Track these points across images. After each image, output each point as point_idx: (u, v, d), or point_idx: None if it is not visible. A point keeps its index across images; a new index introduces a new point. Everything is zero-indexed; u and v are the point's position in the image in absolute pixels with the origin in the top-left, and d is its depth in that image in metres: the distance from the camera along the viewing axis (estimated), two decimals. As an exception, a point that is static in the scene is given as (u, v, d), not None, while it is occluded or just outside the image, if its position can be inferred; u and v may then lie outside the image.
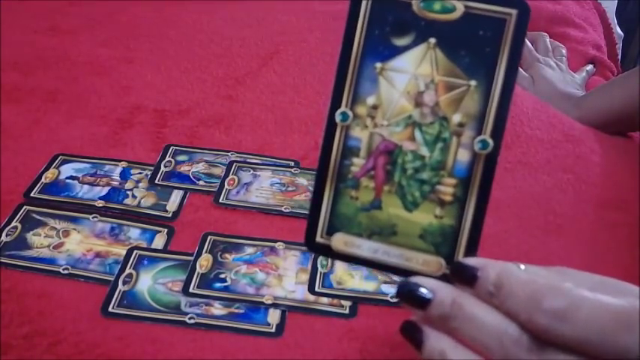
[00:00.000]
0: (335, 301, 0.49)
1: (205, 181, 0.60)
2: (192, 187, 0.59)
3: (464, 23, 0.34)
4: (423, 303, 0.34)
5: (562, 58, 0.88)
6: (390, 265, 0.36)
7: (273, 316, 0.48)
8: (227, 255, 0.52)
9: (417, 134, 0.35)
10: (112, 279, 0.49)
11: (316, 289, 0.50)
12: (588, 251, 0.57)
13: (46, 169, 0.60)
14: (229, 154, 0.64)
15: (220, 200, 0.58)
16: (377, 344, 0.46)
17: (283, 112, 0.71)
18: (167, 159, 0.62)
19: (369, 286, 0.50)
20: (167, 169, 0.61)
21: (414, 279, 0.34)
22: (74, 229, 0.54)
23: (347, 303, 0.49)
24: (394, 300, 0.48)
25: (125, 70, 0.76)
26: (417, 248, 0.35)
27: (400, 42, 0.34)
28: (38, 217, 0.55)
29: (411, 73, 0.34)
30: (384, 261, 0.36)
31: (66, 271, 0.50)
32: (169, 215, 0.56)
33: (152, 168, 0.61)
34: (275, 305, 0.48)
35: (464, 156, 0.34)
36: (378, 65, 0.35)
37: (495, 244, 0.56)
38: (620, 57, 1.09)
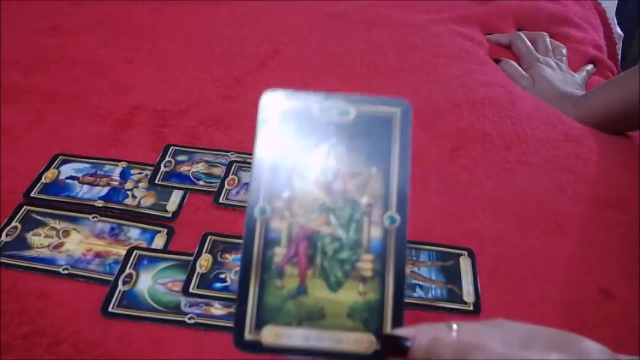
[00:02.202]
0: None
1: (205, 181, 0.60)
2: (192, 187, 0.59)
3: (358, 122, 0.39)
4: (403, 350, 0.35)
5: (562, 58, 0.88)
6: (323, 351, 0.37)
7: (273, 316, 0.48)
8: (227, 255, 0.52)
9: (332, 218, 0.38)
10: (112, 279, 0.50)
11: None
12: (587, 250, 0.57)
13: (46, 169, 0.60)
14: (229, 154, 0.64)
15: (220, 200, 0.58)
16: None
17: (283, 112, 0.70)
18: (167, 159, 0.62)
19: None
20: (167, 169, 0.61)
21: (395, 332, 0.36)
22: (74, 229, 0.54)
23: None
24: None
25: (125, 70, 0.76)
26: (346, 328, 0.37)
27: (306, 143, 0.39)
28: (38, 217, 0.55)
29: (319, 167, 0.38)
30: (317, 347, 0.36)
31: (66, 271, 0.50)
32: (169, 215, 0.56)
33: (152, 168, 0.61)
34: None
35: (376, 232, 0.37)
36: (290, 164, 0.38)
37: (495, 244, 0.56)
38: (620, 57, 1.09)
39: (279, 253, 0.37)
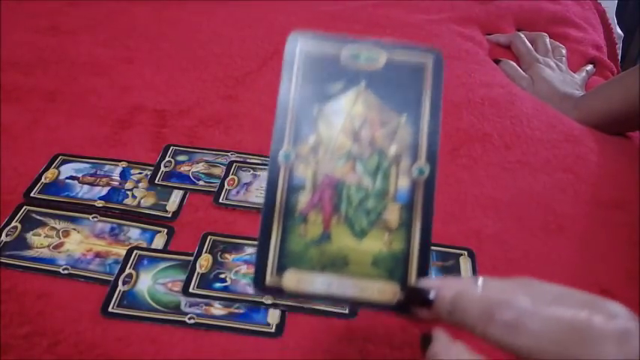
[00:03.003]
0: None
1: (205, 181, 0.60)
2: (192, 187, 0.59)
3: (388, 70, 0.38)
4: (427, 302, 0.34)
5: (562, 59, 0.88)
6: (345, 298, 0.36)
7: (273, 316, 0.48)
8: (227, 255, 0.52)
9: (359, 167, 0.37)
10: (112, 279, 0.50)
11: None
12: (588, 251, 0.57)
13: (46, 169, 0.60)
14: (229, 154, 0.64)
15: (220, 200, 0.58)
16: (377, 344, 0.46)
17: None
18: (167, 159, 0.62)
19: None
20: (167, 169, 0.61)
21: (420, 283, 0.35)
22: (74, 229, 0.54)
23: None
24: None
25: (125, 70, 0.76)
26: (370, 276, 0.36)
27: (333, 88, 0.38)
28: (38, 217, 0.55)
29: (346, 113, 0.37)
30: (339, 294, 0.36)
31: (66, 271, 0.50)
32: (169, 215, 0.56)
33: (152, 168, 0.61)
34: (275, 305, 0.48)
35: (404, 183, 0.37)
36: (316, 109, 0.37)
37: (495, 244, 0.56)
38: (620, 57, 1.08)
39: (303, 200, 0.36)
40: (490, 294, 0.33)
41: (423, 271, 0.36)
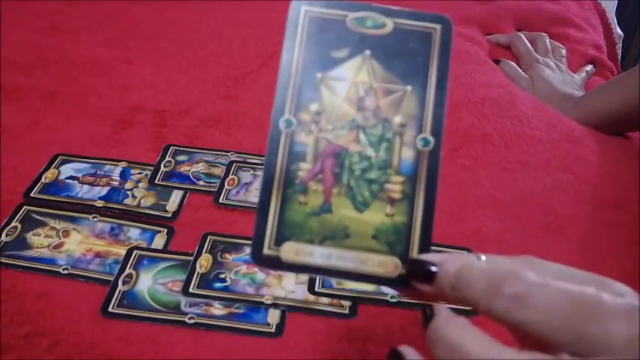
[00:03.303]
0: (335, 301, 0.49)
1: (205, 181, 0.60)
2: (192, 187, 0.59)
3: (395, 37, 0.37)
4: (429, 276, 0.33)
5: (562, 59, 0.88)
6: (345, 271, 0.35)
7: (273, 316, 0.48)
8: (227, 255, 0.52)
9: (362, 136, 0.36)
10: (112, 279, 0.49)
11: (316, 289, 0.50)
12: (588, 251, 0.57)
13: (46, 169, 0.60)
14: (229, 154, 0.64)
15: (220, 200, 0.58)
16: (377, 344, 0.46)
17: (283, 112, 0.70)
18: (167, 159, 0.62)
19: (369, 286, 0.50)
20: (167, 169, 0.61)
21: (422, 256, 0.34)
22: (74, 229, 0.54)
23: (347, 303, 0.49)
24: (394, 300, 0.48)
25: (125, 70, 0.76)
26: (371, 249, 0.35)
27: (338, 54, 0.36)
28: (38, 217, 0.55)
29: (350, 81, 0.36)
30: (339, 267, 0.35)
31: (66, 271, 0.50)
32: (169, 215, 0.56)
33: (152, 168, 0.61)
34: (275, 305, 0.48)
35: (408, 154, 0.36)
36: (319, 75, 0.36)
37: (495, 244, 0.56)
38: (620, 57, 1.09)
39: (304, 168, 0.35)
40: (495, 267, 0.32)
41: (425, 245, 0.35)
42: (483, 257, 0.33)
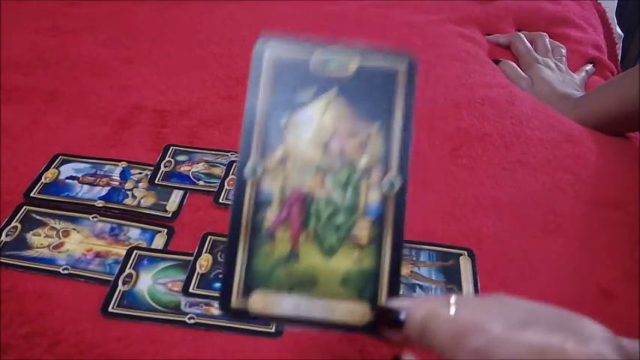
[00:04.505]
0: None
1: (205, 181, 0.60)
2: (192, 187, 0.59)
3: (359, 77, 0.36)
4: (397, 324, 0.33)
5: (562, 59, 0.88)
6: (314, 320, 0.34)
7: (273, 316, 0.48)
8: (227, 255, 0.52)
9: (328, 180, 0.35)
10: (112, 279, 0.50)
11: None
12: (588, 251, 0.57)
13: (46, 169, 0.60)
14: (229, 154, 0.64)
15: (220, 200, 0.58)
16: (377, 344, 0.46)
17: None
18: (167, 159, 0.62)
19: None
20: (167, 169, 0.61)
21: (390, 303, 0.34)
22: (74, 229, 0.54)
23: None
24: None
25: (125, 70, 0.76)
26: (339, 296, 0.35)
27: (302, 97, 0.36)
28: (38, 217, 0.55)
29: (315, 124, 0.36)
30: (307, 316, 0.34)
31: (66, 271, 0.50)
32: (169, 215, 0.56)
33: (152, 168, 0.61)
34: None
35: (374, 197, 0.35)
36: (284, 120, 0.36)
37: (495, 244, 0.56)
38: (620, 57, 1.08)
39: (271, 216, 0.35)
40: (461, 317, 0.32)
41: (393, 290, 0.35)
42: (453, 299, 0.33)
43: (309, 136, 0.36)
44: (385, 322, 0.34)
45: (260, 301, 0.35)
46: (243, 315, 0.35)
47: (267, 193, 0.35)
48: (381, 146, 0.36)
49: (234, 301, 0.35)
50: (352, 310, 0.35)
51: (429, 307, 0.33)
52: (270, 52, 0.36)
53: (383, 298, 0.35)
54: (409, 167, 0.35)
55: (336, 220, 0.35)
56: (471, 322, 0.32)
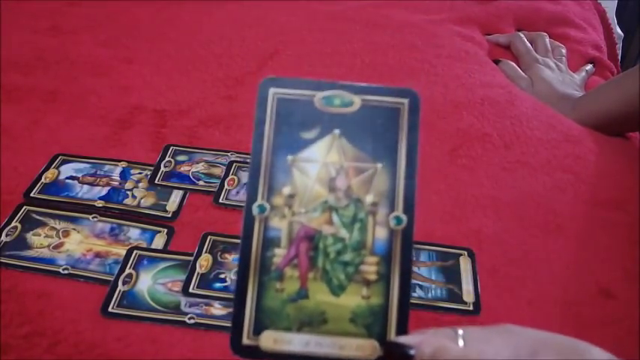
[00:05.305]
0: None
1: (205, 181, 0.60)
2: (192, 187, 0.59)
3: (363, 114, 0.37)
4: (406, 359, 0.34)
5: (562, 59, 0.88)
6: (324, 357, 0.35)
7: (273, 316, 0.48)
8: (227, 255, 0.52)
9: (335, 218, 0.36)
10: (112, 279, 0.50)
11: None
12: (587, 250, 0.57)
13: (46, 169, 0.60)
14: (229, 154, 0.64)
15: (220, 200, 0.58)
16: None
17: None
18: (167, 159, 0.62)
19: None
20: (167, 169, 0.61)
21: (399, 339, 0.35)
22: (74, 229, 0.54)
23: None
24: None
25: (125, 70, 0.76)
26: (348, 333, 0.35)
27: (308, 135, 0.37)
28: (38, 217, 0.55)
29: (321, 161, 0.36)
30: (318, 353, 0.35)
31: (66, 271, 0.50)
32: (169, 215, 0.56)
33: (152, 168, 0.61)
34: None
35: (381, 233, 0.36)
36: (290, 158, 0.36)
37: (495, 244, 0.56)
38: (620, 57, 1.08)
39: (279, 253, 0.36)
40: (469, 351, 0.33)
41: (402, 326, 0.35)
42: (461, 332, 0.34)
43: (315, 174, 0.36)
44: (394, 357, 0.35)
45: (270, 339, 0.35)
46: (255, 352, 0.35)
47: (275, 231, 0.36)
48: (387, 182, 0.36)
49: (245, 339, 0.35)
50: (362, 347, 0.35)
51: (438, 342, 0.34)
52: (275, 91, 0.37)
53: (392, 334, 0.35)
54: (415, 204, 0.36)
55: (344, 257, 0.36)
56: (480, 355, 0.32)
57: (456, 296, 0.51)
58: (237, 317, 0.35)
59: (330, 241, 0.36)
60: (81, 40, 0.81)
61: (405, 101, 0.37)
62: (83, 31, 0.82)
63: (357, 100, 0.37)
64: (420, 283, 0.52)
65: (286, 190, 0.36)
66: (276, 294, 0.35)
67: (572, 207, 0.62)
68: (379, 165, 0.36)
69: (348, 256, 0.36)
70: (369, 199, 0.36)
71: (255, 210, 0.36)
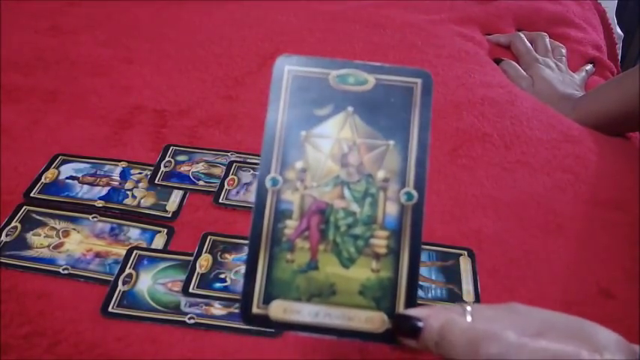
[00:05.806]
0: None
1: (205, 181, 0.60)
2: (192, 187, 0.59)
3: (376, 92, 0.38)
4: (415, 331, 0.34)
5: (562, 58, 0.88)
6: (333, 328, 0.35)
7: (273, 316, 0.48)
8: (227, 255, 0.52)
9: (346, 192, 0.37)
10: (112, 279, 0.50)
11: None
12: (587, 250, 0.57)
13: (46, 169, 0.60)
14: (229, 154, 0.64)
15: (220, 200, 0.58)
16: (377, 344, 0.46)
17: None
18: (167, 159, 0.62)
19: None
20: (167, 169, 0.61)
21: (408, 312, 0.35)
22: (74, 229, 0.54)
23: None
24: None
25: (125, 70, 0.76)
26: (357, 306, 0.36)
27: (321, 112, 0.37)
28: (38, 217, 0.55)
29: (334, 137, 0.37)
30: (327, 324, 0.35)
31: (66, 271, 0.50)
32: (169, 215, 0.56)
33: (152, 168, 0.61)
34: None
35: (392, 209, 0.36)
36: (303, 133, 0.37)
37: (495, 244, 0.56)
38: (620, 57, 1.09)
39: (291, 226, 0.36)
40: (477, 325, 0.33)
41: (411, 300, 0.36)
42: (469, 308, 0.34)
43: (328, 149, 0.37)
44: (403, 330, 0.35)
45: (280, 309, 0.36)
46: (264, 321, 0.36)
47: (287, 204, 0.36)
48: (399, 160, 0.37)
49: (255, 308, 0.36)
50: (371, 319, 0.36)
51: (446, 316, 0.34)
52: (290, 68, 0.38)
53: (401, 308, 0.36)
54: (426, 181, 0.36)
55: (354, 231, 0.36)
56: (486, 331, 0.32)
57: (456, 296, 0.51)
58: (247, 287, 0.36)
59: (341, 214, 0.36)
60: (81, 40, 0.81)
61: (419, 81, 0.38)
62: (83, 31, 0.83)
63: (370, 79, 0.38)
64: (420, 283, 0.52)
65: (299, 165, 0.37)
66: (287, 265, 0.36)
67: (572, 207, 0.62)
68: (391, 142, 0.37)
69: (358, 230, 0.36)
70: (380, 175, 0.37)
71: (268, 183, 0.37)
